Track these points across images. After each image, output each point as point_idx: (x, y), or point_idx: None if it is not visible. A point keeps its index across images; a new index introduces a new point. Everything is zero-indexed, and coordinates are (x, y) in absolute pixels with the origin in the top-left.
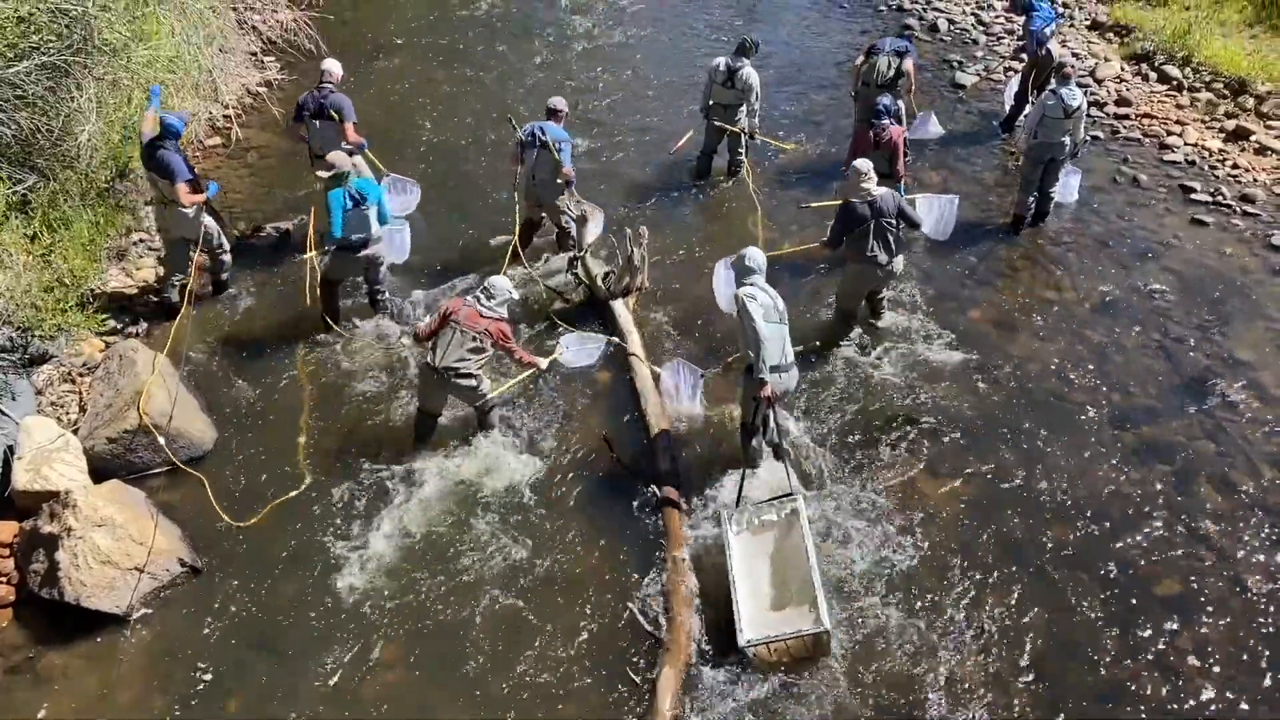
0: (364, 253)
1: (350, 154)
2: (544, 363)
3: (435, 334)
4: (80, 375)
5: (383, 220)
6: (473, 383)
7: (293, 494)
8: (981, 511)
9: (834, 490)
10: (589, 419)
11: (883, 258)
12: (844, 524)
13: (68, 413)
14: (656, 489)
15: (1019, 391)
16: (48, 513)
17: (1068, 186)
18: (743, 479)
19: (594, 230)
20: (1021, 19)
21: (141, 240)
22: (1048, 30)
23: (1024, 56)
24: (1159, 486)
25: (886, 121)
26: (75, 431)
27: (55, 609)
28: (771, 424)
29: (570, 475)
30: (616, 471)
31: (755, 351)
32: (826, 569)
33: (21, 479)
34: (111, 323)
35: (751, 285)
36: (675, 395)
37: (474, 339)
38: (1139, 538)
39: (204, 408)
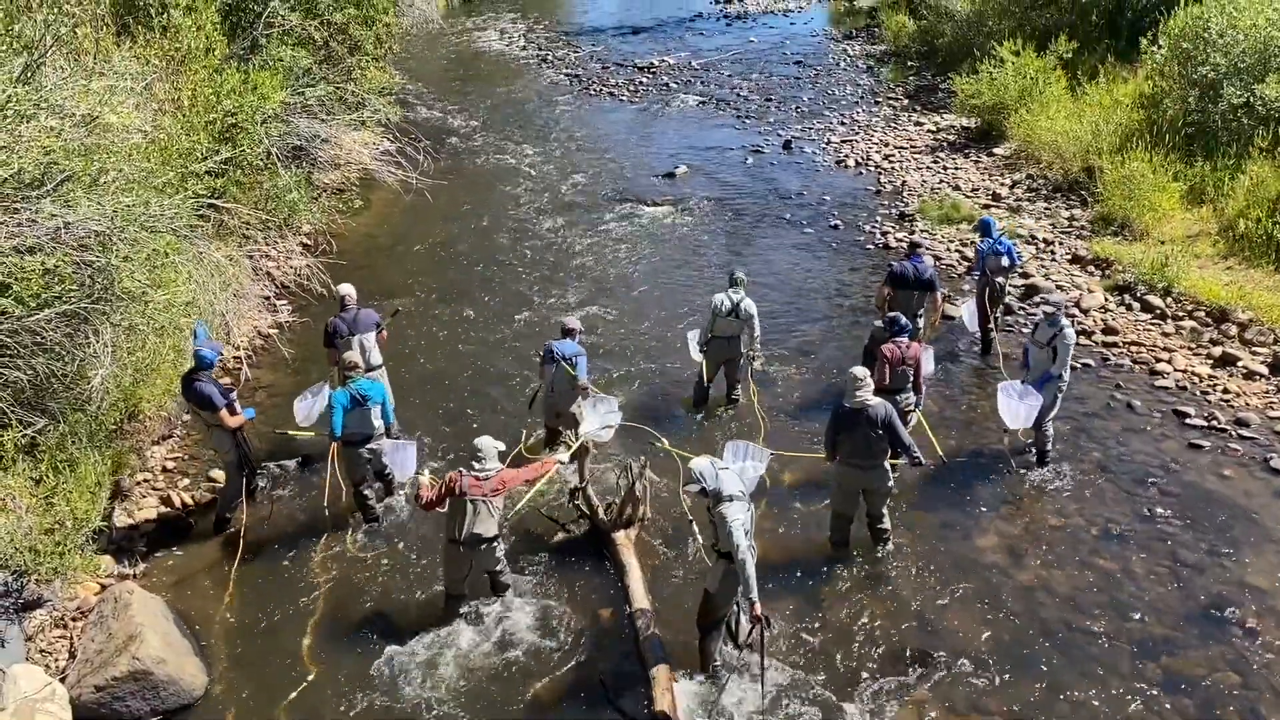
0: (366, 447)
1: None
2: (564, 455)
3: (440, 506)
4: (73, 620)
5: (386, 419)
6: (494, 544)
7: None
8: None
9: None
10: (586, 656)
11: (864, 462)
12: None
13: (57, 659)
14: None
15: (1032, 622)
16: None
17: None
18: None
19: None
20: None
21: (145, 480)
22: (998, 256)
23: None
24: None
25: (906, 339)
26: (63, 679)
27: None
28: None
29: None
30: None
31: (743, 573)
32: None
33: None
34: (109, 565)
35: (730, 504)
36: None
37: (485, 504)
38: None
39: (196, 650)
